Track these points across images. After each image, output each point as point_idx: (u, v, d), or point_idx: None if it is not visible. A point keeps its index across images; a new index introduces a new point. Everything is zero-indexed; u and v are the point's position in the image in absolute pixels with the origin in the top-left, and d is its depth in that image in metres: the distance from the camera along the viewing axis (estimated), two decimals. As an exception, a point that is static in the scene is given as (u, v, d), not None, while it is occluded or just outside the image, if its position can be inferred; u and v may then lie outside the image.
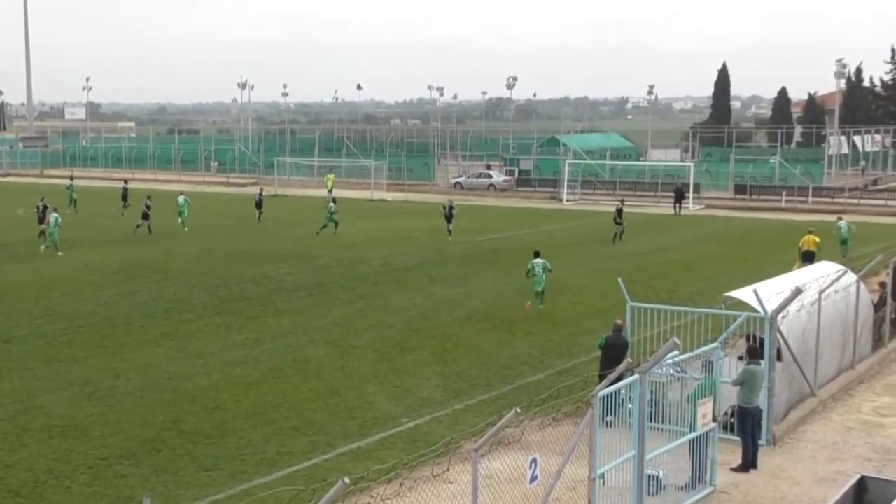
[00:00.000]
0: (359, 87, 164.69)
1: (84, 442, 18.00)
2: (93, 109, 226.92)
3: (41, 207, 46.59)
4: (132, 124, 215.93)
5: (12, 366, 23.34)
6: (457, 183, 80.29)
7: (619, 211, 48.35)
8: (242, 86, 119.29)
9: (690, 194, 65.09)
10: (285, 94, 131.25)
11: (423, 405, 20.36)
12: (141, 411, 19.83)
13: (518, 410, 12.34)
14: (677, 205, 61.90)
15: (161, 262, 39.67)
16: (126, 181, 66.96)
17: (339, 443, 17.96)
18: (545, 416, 17.33)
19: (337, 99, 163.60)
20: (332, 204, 51.06)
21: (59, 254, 41.43)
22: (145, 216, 49.86)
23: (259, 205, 56.26)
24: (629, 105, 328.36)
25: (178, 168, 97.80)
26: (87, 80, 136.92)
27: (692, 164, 73.80)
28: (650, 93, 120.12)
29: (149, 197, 51.58)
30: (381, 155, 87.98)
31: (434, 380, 22.32)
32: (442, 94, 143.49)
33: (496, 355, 24.64)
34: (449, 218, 48.46)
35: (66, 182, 67.57)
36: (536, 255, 31.19)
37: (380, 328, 27.73)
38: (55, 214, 43.48)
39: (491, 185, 77.87)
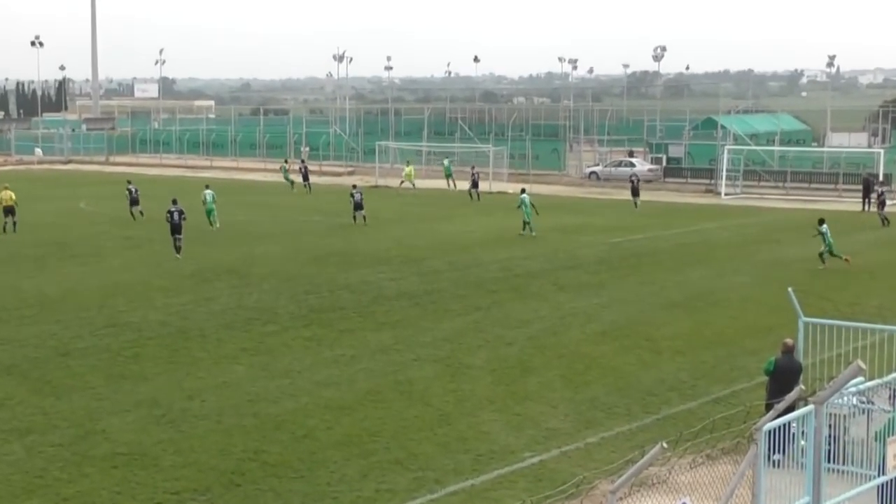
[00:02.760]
0: (476, 59, 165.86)
1: (152, 473, 18.39)
2: (166, 86, 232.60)
3: (133, 191, 53.02)
4: (211, 103, 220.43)
5: (71, 383, 23.99)
6: (592, 173, 79.95)
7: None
8: (339, 58, 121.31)
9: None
10: (389, 68, 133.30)
11: (549, 437, 20.28)
12: (217, 438, 20.19)
13: (664, 445, 12.17)
14: (866, 200, 60.53)
15: (241, 265, 40.39)
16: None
17: (448, 480, 18.00)
18: (697, 452, 17.09)
19: (450, 73, 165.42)
20: (355, 191, 54.74)
21: (217, 226, 49.61)
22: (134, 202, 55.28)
23: (359, 206, 53.90)
24: (804, 80, 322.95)
25: (264, 154, 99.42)
26: (160, 52, 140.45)
27: (882, 151, 72.13)
28: (830, 64, 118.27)
29: (129, 182, 57.90)
30: (502, 139, 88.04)
31: (562, 407, 22.22)
32: (575, 68, 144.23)
33: (638, 379, 24.42)
34: (358, 205, 52.34)
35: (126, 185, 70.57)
36: (523, 191, 48.52)
37: (497, 345, 27.73)
38: (210, 191, 51.92)
39: (633, 175, 77.41)
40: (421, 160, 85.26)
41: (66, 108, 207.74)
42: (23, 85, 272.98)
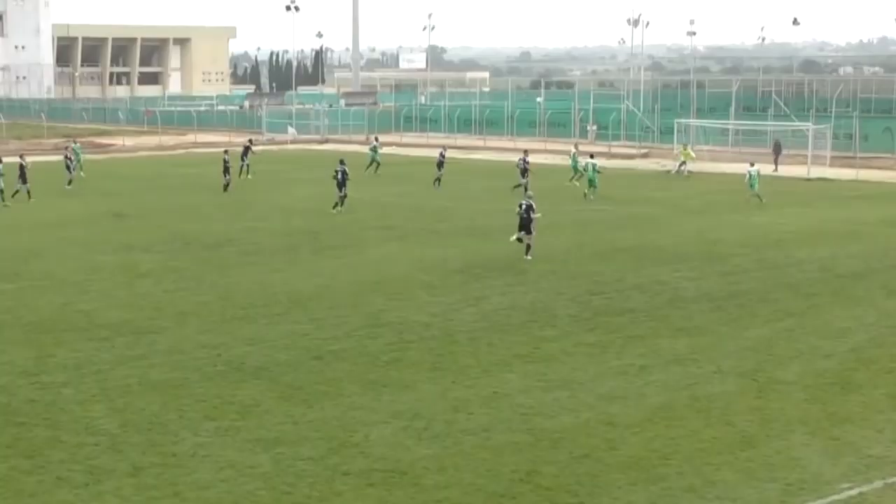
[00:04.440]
0: (795, 21, 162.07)
1: (411, 493, 18.95)
2: (435, 56, 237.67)
3: (340, 172, 54.90)
4: (486, 75, 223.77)
5: (324, 390, 24.87)
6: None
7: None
8: (634, 23, 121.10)
9: None
10: (692, 34, 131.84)
11: (872, 466, 19.96)
12: (486, 456, 20.63)
13: None
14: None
15: (517, 260, 40.90)
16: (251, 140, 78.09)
17: (751, 513, 17.93)
18: None
19: (763, 40, 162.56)
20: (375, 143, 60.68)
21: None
22: (226, 170, 62.83)
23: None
24: None
25: (545, 133, 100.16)
26: (429, 17, 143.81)
27: None
28: None
29: (226, 151, 64.23)
30: (825, 116, 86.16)
31: (889, 431, 21.80)
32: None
33: None
34: (342, 184, 54.63)
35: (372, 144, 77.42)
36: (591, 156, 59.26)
37: (813, 357, 27.36)
38: (593, 161, 59.72)
39: None
40: (727, 140, 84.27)
41: (323, 82, 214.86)
42: (276, 55, 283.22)
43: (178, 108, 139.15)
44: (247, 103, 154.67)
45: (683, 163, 73.58)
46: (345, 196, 54.53)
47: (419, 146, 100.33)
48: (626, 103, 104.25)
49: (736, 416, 22.87)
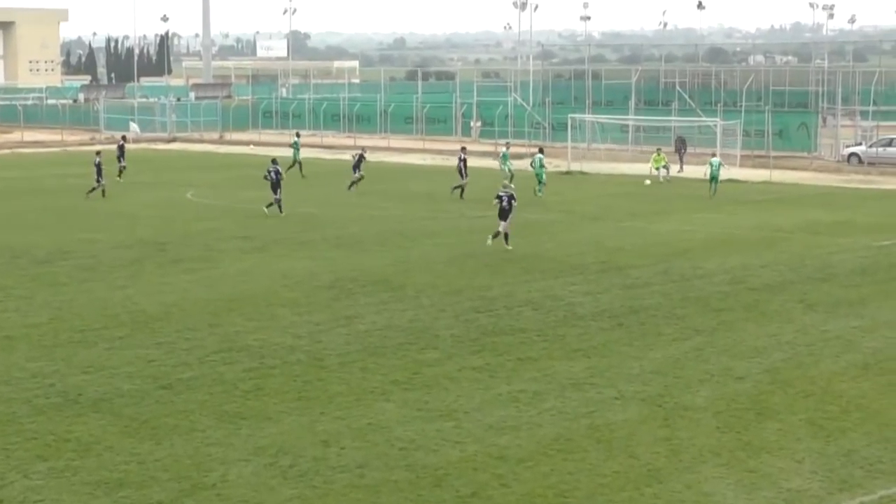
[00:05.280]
0: (700, 5, 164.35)
1: (276, 539, 18.86)
2: (298, 43, 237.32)
3: (273, 172, 56.52)
4: (355, 64, 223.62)
5: (174, 423, 24.59)
6: (852, 154, 78.94)
7: None
8: (521, 6, 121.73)
9: None
10: (586, 19, 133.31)
11: (792, 500, 20.21)
12: (360, 497, 20.56)
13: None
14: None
15: (394, 273, 40.95)
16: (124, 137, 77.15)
17: (658, 555, 18.10)
18: None
19: (665, 25, 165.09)
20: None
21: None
22: (99, 173, 62.72)
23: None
24: None
25: (423, 131, 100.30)
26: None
27: None
28: None
29: (98, 153, 63.84)
30: (734, 111, 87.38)
31: (809, 462, 22.07)
32: (831, 16, 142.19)
33: (912, 427, 24.19)
34: (276, 184, 56.24)
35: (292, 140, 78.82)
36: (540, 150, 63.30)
37: (725, 380, 27.64)
38: (540, 156, 63.22)
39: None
40: (627, 138, 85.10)
41: (169, 72, 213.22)
42: (115, 41, 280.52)
43: (1, 102, 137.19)
44: (81, 96, 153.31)
45: (665, 167, 73.66)
46: (280, 199, 56.07)
47: (280, 145, 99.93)
48: (514, 96, 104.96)
49: (640, 447, 23.01)
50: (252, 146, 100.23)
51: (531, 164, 65.14)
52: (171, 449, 22.96)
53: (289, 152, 76.56)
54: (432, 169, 79.01)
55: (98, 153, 64.86)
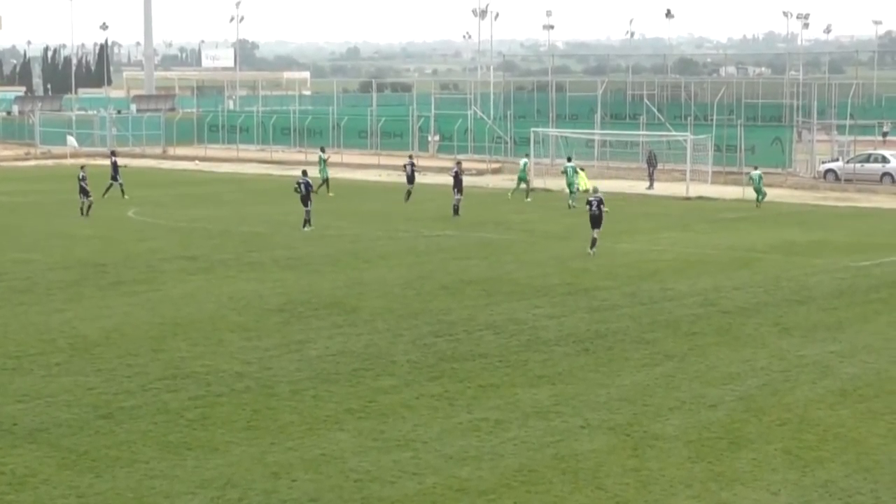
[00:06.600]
0: (668, 14, 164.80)
1: (223, 578, 18.73)
2: (245, 53, 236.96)
3: (303, 185, 57.16)
4: (306, 75, 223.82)
5: (115, 455, 24.38)
6: (828, 171, 79.33)
7: None
8: (480, 14, 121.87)
9: None
10: (549, 28, 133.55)
11: (771, 537, 20.20)
12: (312, 532, 20.50)
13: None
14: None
15: (347, 296, 40.87)
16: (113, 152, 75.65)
17: None
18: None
19: (632, 35, 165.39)
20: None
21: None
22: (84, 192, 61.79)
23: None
24: None
25: (377, 145, 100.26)
26: (237, 6, 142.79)
27: None
28: None
29: (82, 167, 62.58)
30: (704, 125, 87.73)
31: (785, 493, 22.10)
32: (806, 26, 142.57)
33: (889, 456, 24.23)
34: (306, 198, 57.04)
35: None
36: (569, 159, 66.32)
37: (696, 407, 27.67)
38: (525, 160, 68.93)
39: (886, 173, 76.46)
40: (593, 153, 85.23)
41: (109, 83, 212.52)
42: (52, 51, 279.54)
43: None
44: (15, 108, 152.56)
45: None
46: (309, 211, 57.29)
47: (228, 160, 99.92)
48: (474, 109, 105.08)
49: (608, 478, 22.97)
50: (197, 162, 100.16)
51: (563, 172, 69.08)
52: (113, 482, 22.77)
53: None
54: (388, 185, 78.88)
55: (82, 167, 64.41)
